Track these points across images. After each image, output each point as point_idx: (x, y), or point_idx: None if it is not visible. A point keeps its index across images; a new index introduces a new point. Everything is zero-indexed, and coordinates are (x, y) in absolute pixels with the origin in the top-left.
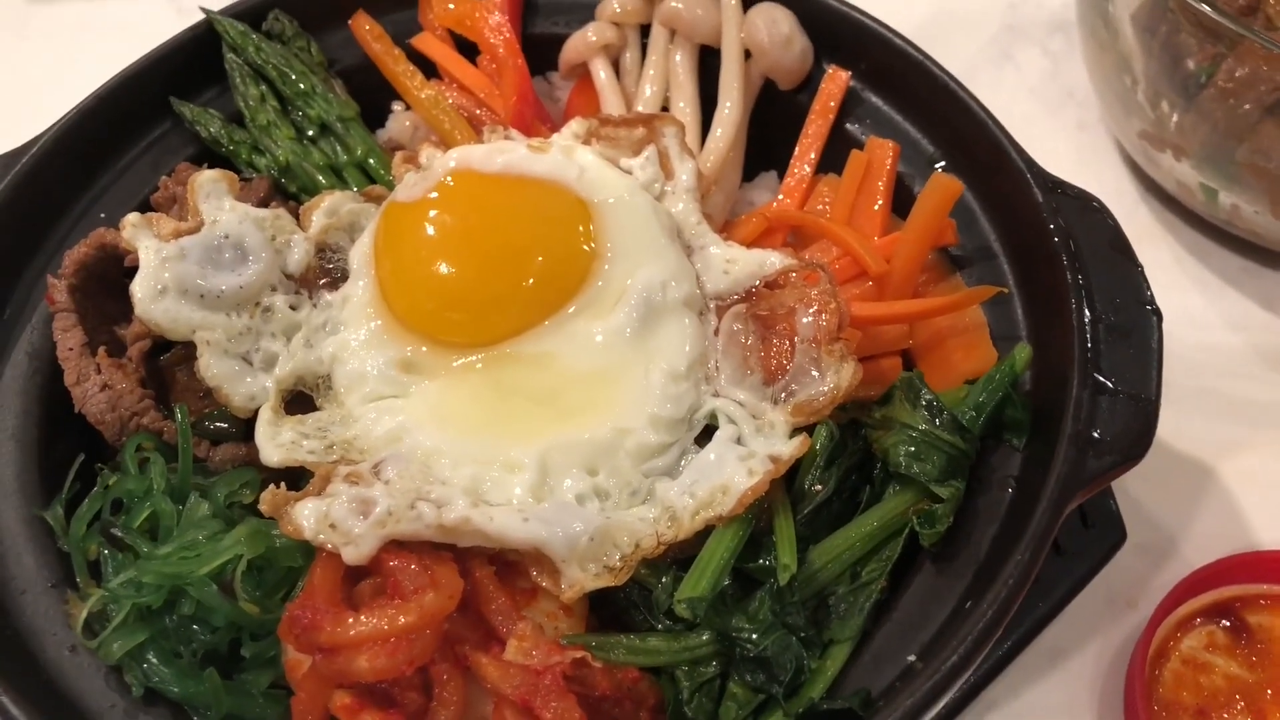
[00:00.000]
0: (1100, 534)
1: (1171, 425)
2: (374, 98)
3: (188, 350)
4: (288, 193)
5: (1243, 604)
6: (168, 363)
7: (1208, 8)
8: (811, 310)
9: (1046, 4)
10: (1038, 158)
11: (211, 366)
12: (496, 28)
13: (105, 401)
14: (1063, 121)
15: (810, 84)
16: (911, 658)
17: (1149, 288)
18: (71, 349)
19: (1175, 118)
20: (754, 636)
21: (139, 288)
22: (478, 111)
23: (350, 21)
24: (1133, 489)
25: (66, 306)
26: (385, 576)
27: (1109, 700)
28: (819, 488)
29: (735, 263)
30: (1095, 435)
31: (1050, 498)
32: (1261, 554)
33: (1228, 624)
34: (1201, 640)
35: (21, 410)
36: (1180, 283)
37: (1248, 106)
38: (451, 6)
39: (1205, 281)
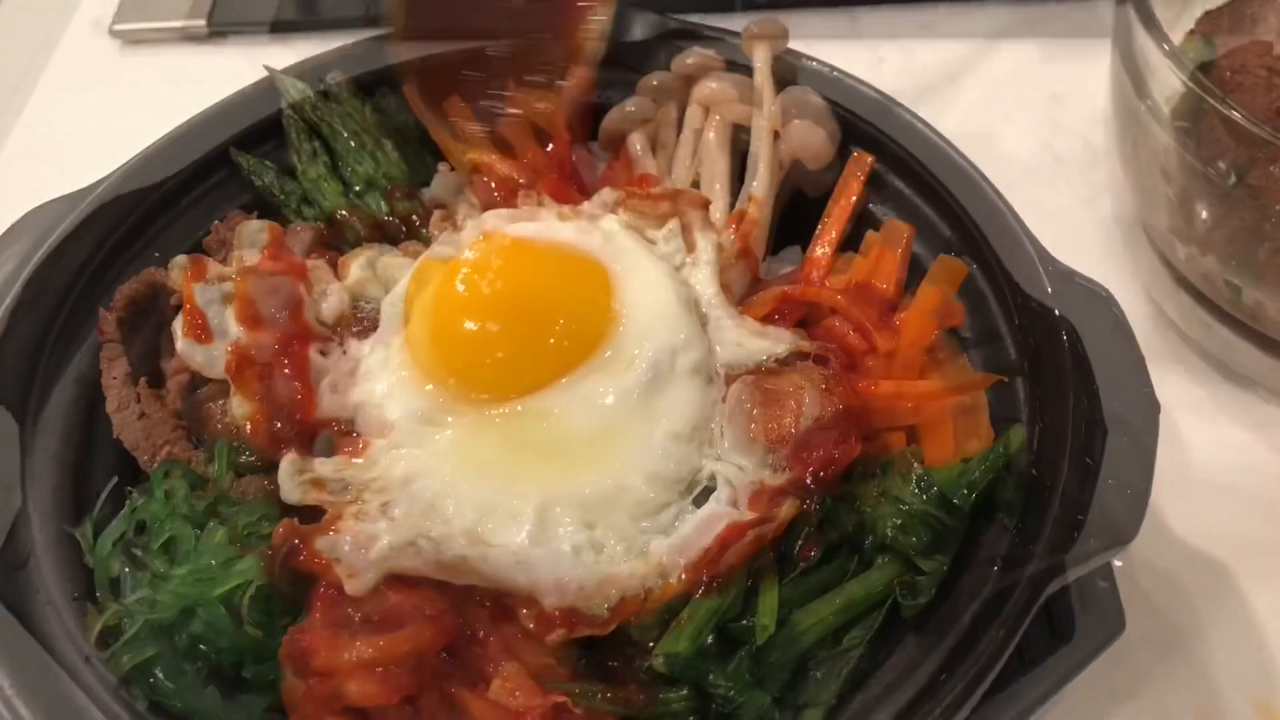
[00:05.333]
0: (1098, 622)
1: (1188, 519)
2: (422, 159)
3: (223, 386)
4: (331, 244)
5: None
6: (204, 397)
7: (1239, 115)
8: (819, 389)
9: (1089, 98)
10: (1070, 247)
11: (241, 405)
12: None
13: (141, 429)
14: (1099, 213)
15: (837, 165)
16: None
17: (1149, 378)
18: (115, 378)
19: (1204, 214)
20: (730, 694)
21: (179, 327)
22: (517, 177)
23: (404, 87)
24: (1142, 581)
25: (114, 338)
26: (383, 609)
27: None
28: (809, 553)
29: (748, 338)
30: (1080, 520)
31: (1030, 578)
32: None
33: None
34: None
35: (64, 432)
36: (1207, 377)
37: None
38: None
39: (1233, 377)
